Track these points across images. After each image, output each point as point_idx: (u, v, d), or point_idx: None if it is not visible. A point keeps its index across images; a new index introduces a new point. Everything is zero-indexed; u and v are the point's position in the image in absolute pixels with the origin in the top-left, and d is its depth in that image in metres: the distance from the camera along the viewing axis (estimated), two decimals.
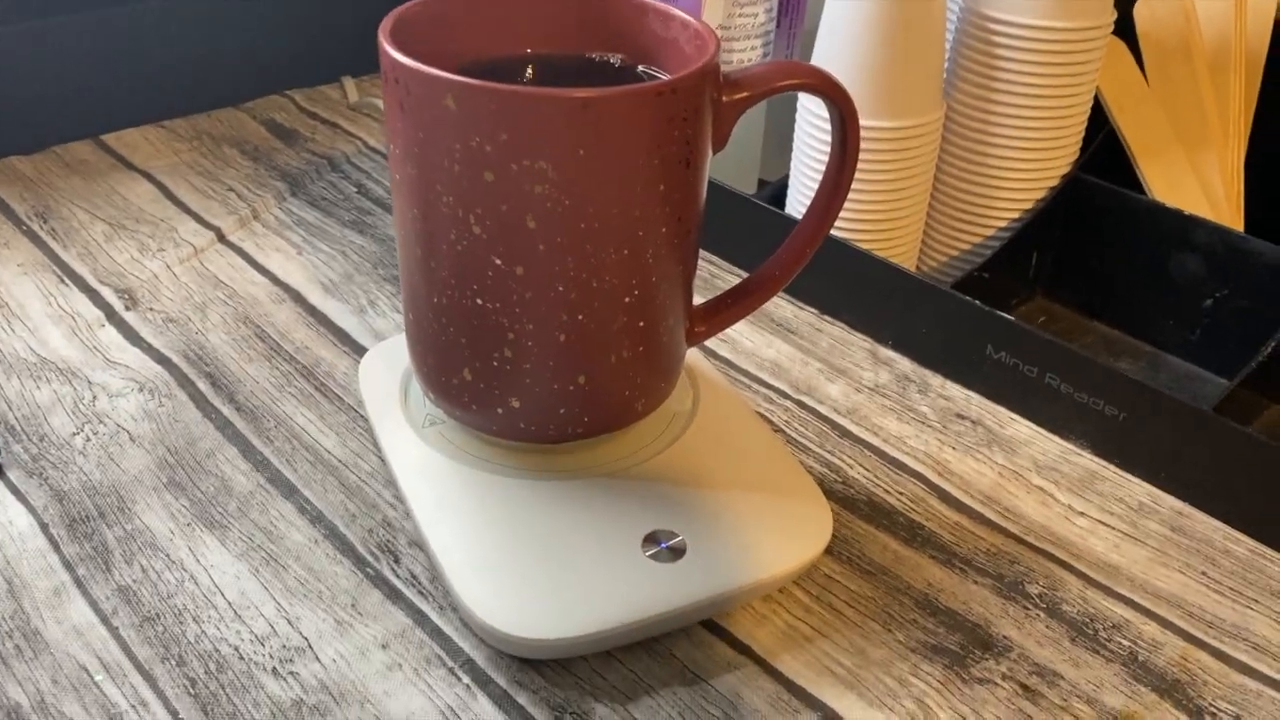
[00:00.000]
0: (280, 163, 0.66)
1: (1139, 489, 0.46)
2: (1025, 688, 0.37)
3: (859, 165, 0.48)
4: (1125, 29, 0.55)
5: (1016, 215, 0.55)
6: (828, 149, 0.49)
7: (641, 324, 0.37)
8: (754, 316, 0.55)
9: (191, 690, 0.35)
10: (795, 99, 0.56)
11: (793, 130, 0.56)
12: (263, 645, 0.37)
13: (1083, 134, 0.55)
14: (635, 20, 0.39)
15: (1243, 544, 0.43)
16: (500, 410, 0.38)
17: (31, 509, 0.41)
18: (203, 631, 0.37)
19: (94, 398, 0.47)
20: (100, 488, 0.42)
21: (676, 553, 0.37)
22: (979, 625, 0.39)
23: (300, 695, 0.35)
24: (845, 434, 0.48)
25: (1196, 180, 0.55)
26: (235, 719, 0.34)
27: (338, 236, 0.59)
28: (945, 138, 0.55)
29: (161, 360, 0.49)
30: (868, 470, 0.46)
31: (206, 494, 0.42)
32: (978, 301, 0.49)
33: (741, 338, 0.53)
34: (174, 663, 0.36)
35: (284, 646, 0.37)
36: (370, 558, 0.40)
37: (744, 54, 0.61)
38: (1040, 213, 0.55)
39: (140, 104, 0.69)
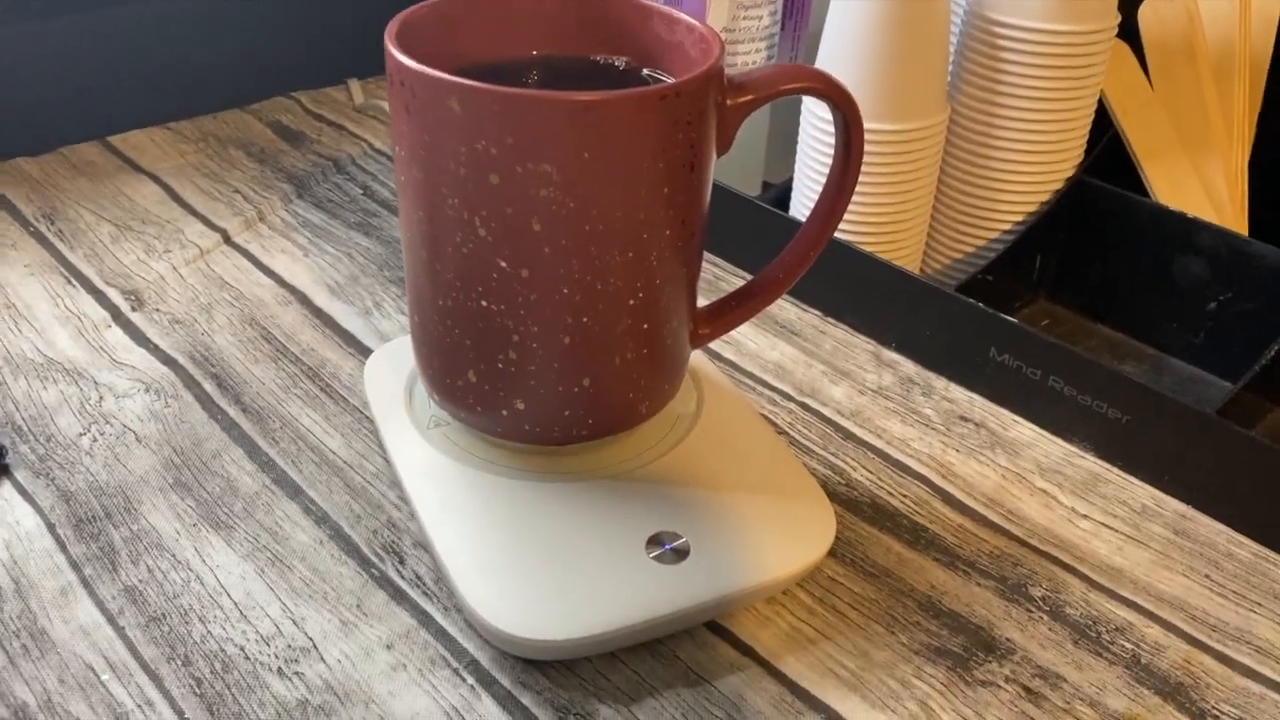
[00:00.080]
0: (286, 165, 0.66)
1: (1142, 492, 0.46)
2: (1028, 690, 0.37)
3: (863, 168, 0.48)
4: (1129, 32, 0.55)
5: (1020, 218, 0.55)
6: (832, 151, 0.49)
7: (646, 326, 0.37)
8: (758, 319, 0.55)
9: (197, 690, 0.35)
10: (800, 101, 0.56)
11: (797, 132, 0.56)
12: (268, 645, 0.37)
13: (1087, 137, 0.55)
14: (640, 23, 0.39)
15: (1246, 547, 0.43)
16: (505, 412, 0.38)
17: (38, 509, 0.42)
18: (208, 631, 0.37)
19: (100, 398, 0.47)
20: (107, 488, 0.43)
21: (680, 554, 0.37)
22: (982, 627, 0.39)
23: (305, 695, 0.35)
24: (849, 436, 0.48)
25: (1200, 183, 0.55)
26: (241, 719, 0.35)
27: (343, 238, 0.59)
28: (949, 140, 0.55)
29: (167, 361, 0.49)
30: (871, 472, 0.46)
31: (212, 494, 0.43)
32: (981, 304, 0.49)
33: (745, 340, 0.54)
34: (180, 662, 0.36)
35: (289, 647, 0.37)
36: (375, 559, 0.40)
37: (748, 57, 0.61)
38: (1044, 216, 0.55)
39: (146, 106, 0.69)
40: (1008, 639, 0.39)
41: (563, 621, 0.35)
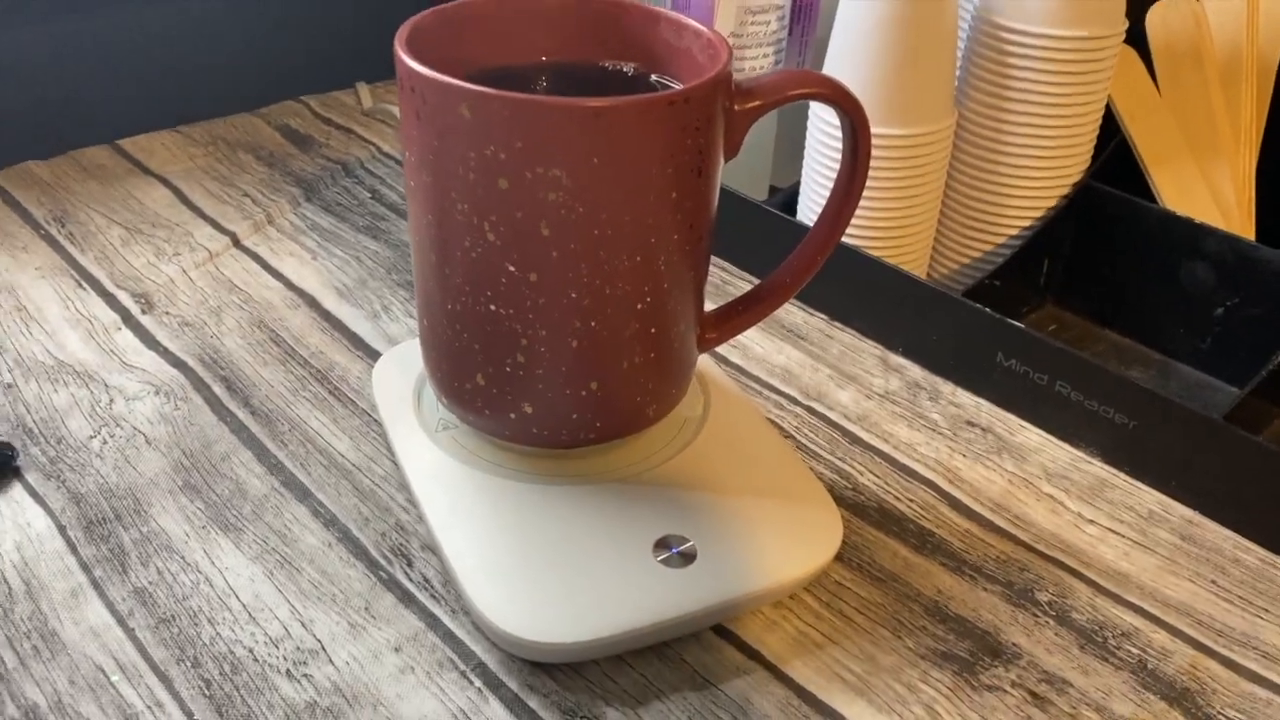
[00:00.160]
0: (295, 168, 0.66)
1: (1149, 497, 0.46)
2: (1034, 695, 0.37)
3: (870, 173, 0.48)
4: (1137, 37, 0.55)
5: (1027, 223, 0.55)
6: (839, 156, 0.49)
7: (653, 330, 0.37)
8: (765, 323, 0.55)
9: (206, 691, 0.36)
10: (807, 106, 0.57)
11: (804, 137, 0.56)
12: (277, 647, 0.37)
13: (1094, 142, 0.55)
14: (648, 29, 0.39)
15: (1253, 553, 0.43)
16: (513, 415, 0.38)
17: (49, 511, 0.42)
18: (218, 633, 0.37)
19: (111, 401, 0.47)
20: (117, 490, 0.43)
21: (687, 558, 0.37)
22: (988, 632, 0.39)
23: (314, 697, 0.36)
24: (855, 441, 0.48)
25: (1207, 188, 0.55)
26: None
27: (352, 242, 0.59)
28: (957, 145, 0.55)
29: (177, 364, 0.50)
30: (878, 477, 0.46)
31: (222, 497, 0.43)
32: (988, 309, 0.49)
33: (752, 344, 0.54)
34: (189, 664, 0.36)
35: (298, 649, 0.37)
36: (383, 561, 0.40)
37: (756, 62, 0.61)
38: (1051, 221, 0.55)
39: (156, 109, 0.70)
40: (1014, 644, 0.39)
41: (570, 625, 0.35)
